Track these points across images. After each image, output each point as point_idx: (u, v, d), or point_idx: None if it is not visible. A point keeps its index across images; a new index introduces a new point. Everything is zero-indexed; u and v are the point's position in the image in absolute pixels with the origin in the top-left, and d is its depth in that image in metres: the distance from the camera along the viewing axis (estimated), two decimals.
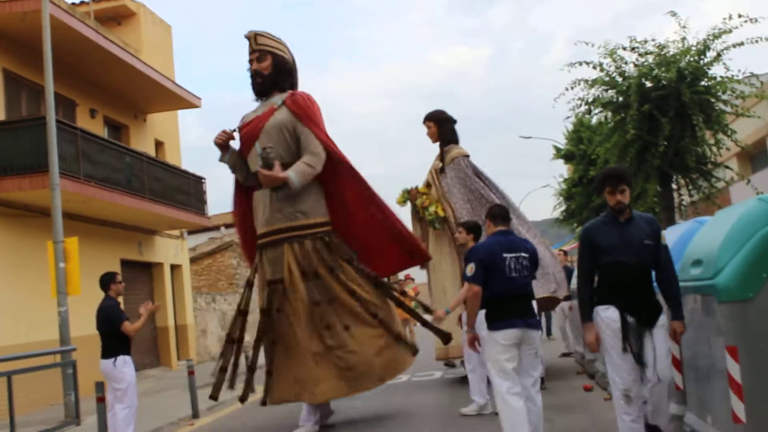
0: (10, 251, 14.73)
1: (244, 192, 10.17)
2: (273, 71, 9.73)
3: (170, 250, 22.63)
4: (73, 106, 17.84)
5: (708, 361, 5.54)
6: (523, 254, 6.50)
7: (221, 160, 9.85)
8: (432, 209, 12.08)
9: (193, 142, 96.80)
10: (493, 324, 6.36)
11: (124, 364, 9.06)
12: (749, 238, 5.11)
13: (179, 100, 21.64)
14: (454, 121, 13.07)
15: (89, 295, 14.61)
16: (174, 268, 22.93)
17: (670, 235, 7.56)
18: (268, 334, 9.41)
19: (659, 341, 5.64)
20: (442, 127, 12.89)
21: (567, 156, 27.23)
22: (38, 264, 14.66)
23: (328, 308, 9.24)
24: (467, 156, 12.63)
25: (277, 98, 9.70)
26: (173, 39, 24.71)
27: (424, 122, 13.04)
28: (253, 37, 9.72)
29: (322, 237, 9.45)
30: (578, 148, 25.45)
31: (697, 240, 6.18)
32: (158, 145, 22.78)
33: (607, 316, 5.74)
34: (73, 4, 20.49)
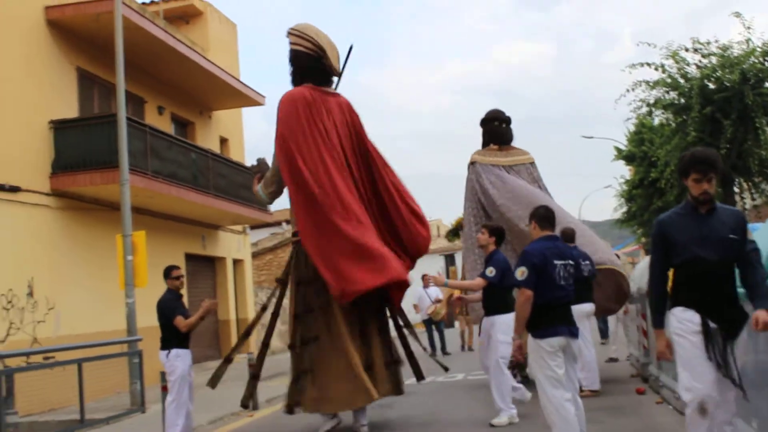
0: (81, 243, 15.21)
1: None
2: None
3: (233, 245, 23.08)
4: (142, 103, 18.32)
5: (761, 362, 5.57)
6: (570, 262, 6.39)
7: None
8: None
9: (256, 138, 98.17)
10: (539, 331, 6.18)
11: (176, 357, 9.07)
12: None
13: (244, 98, 22.04)
14: (495, 121, 12.86)
15: (155, 287, 15.07)
16: (236, 262, 23.39)
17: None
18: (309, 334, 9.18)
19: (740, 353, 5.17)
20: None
21: (628, 157, 27.01)
22: (107, 255, 15.14)
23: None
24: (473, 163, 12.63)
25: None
26: (238, 37, 25.14)
27: None
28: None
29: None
30: (639, 150, 25.24)
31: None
32: (223, 141, 23.25)
33: (687, 318, 5.06)
34: (144, 3, 21.04)
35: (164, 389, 9.78)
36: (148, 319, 14.34)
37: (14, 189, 13.58)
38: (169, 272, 9.24)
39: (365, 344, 8.91)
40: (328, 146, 9.02)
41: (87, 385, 11.54)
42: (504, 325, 8.44)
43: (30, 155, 14.22)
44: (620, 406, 9.07)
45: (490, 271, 8.42)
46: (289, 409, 9.22)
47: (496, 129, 12.78)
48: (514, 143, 12.96)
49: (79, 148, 14.82)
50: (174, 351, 9.05)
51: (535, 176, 12.48)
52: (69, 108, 15.51)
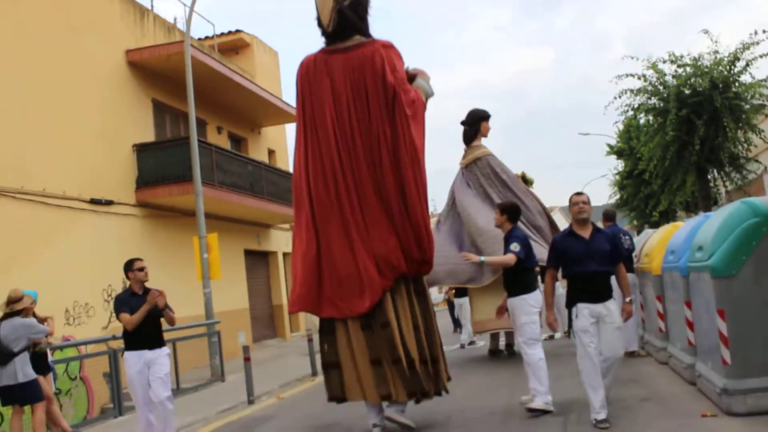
0: (162, 244, 16.45)
1: None
2: None
3: (282, 241, 24.26)
4: (204, 125, 19.52)
5: (708, 321, 6.67)
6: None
7: (433, 93, 7.73)
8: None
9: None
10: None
11: (126, 361, 7.44)
12: (733, 230, 6.24)
13: (287, 115, 23.08)
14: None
15: (225, 279, 16.35)
16: (286, 255, 24.55)
17: (687, 225, 8.68)
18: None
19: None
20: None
21: (618, 152, 27.99)
22: (184, 254, 16.41)
23: None
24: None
25: None
26: (280, 63, 26.31)
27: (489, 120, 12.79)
28: None
29: None
30: (628, 146, 26.20)
31: (701, 231, 7.28)
32: (270, 153, 24.43)
33: None
34: (200, 39, 22.28)
35: (248, 360, 10.95)
36: (221, 306, 15.71)
37: (109, 202, 14.84)
38: (130, 265, 7.54)
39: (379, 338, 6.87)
40: (313, 131, 7.19)
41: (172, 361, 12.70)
42: (526, 305, 7.38)
43: (118, 174, 15.45)
44: (630, 378, 8.46)
45: (515, 246, 7.44)
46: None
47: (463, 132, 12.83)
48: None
49: (157, 166, 16.01)
50: (126, 354, 7.45)
51: (493, 166, 12.44)
52: (147, 133, 16.76)
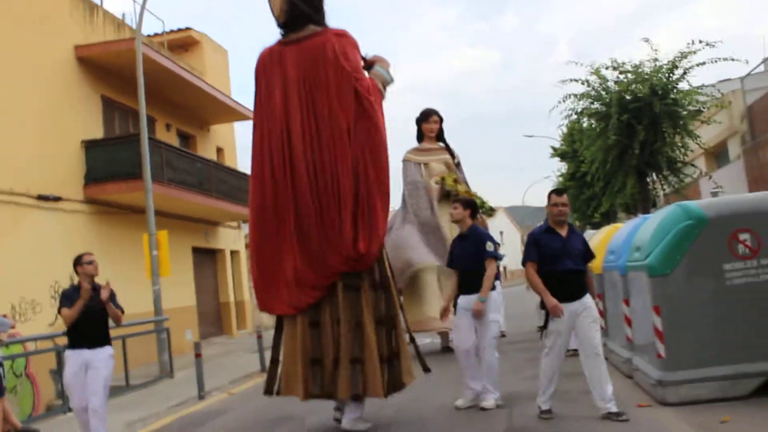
0: (110, 241, 16.35)
1: None
2: None
3: (230, 238, 24.27)
4: (153, 122, 19.41)
5: (645, 317, 7.04)
6: None
7: (393, 79, 7.36)
8: (484, 199, 12.84)
9: (247, 147, 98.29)
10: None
11: (66, 359, 7.18)
12: (668, 232, 6.62)
13: (235, 113, 23.10)
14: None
15: (173, 276, 16.32)
16: (233, 253, 24.58)
17: (626, 227, 9.08)
18: None
19: None
20: (442, 125, 13.41)
21: (562, 155, 28.63)
22: (133, 251, 16.36)
23: None
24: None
25: None
26: (230, 60, 26.27)
27: (433, 116, 13.29)
28: None
29: None
30: (571, 149, 26.81)
31: (639, 232, 7.68)
32: (219, 151, 24.38)
33: None
34: (150, 36, 22.14)
35: (198, 356, 11.03)
36: (169, 303, 15.71)
37: (56, 198, 14.73)
38: (78, 260, 7.16)
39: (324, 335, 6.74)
40: (266, 127, 6.97)
41: (117, 358, 12.64)
42: (494, 302, 7.36)
43: (67, 170, 15.33)
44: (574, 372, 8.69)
45: (490, 246, 7.36)
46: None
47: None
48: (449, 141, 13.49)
49: (106, 163, 15.90)
50: (66, 352, 7.23)
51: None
52: (96, 129, 16.64)
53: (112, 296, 7.13)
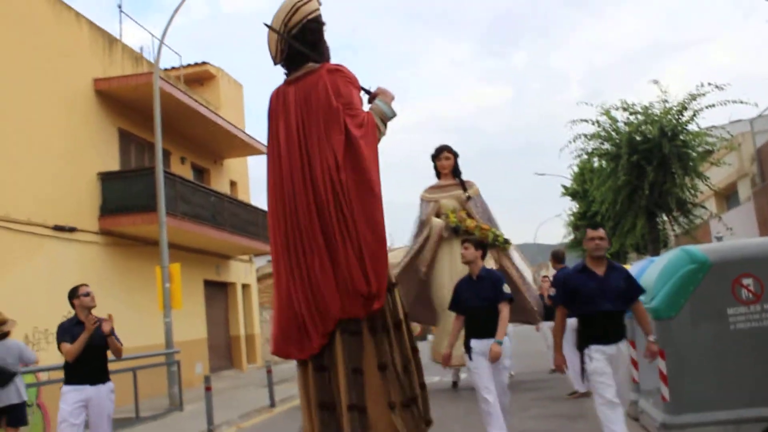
0: (124, 272, 16.56)
1: None
2: None
3: (241, 272, 24.44)
4: (168, 155, 19.69)
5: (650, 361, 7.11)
6: None
7: (394, 114, 6.85)
8: (498, 233, 12.73)
9: (261, 181, 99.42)
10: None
11: (62, 396, 6.84)
12: (673, 275, 6.73)
13: (249, 147, 23.36)
14: None
15: (185, 308, 16.44)
16: (244, 286, 24.72)
17: (633, 269, 9.18)
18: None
19: None
20: (456, 160, 13.44)
21: (573, 194, 28.77)
22: (143, 283, 16.55)
23: None
24: (479, 190, 13.48)
25: None
26: (245, 95, 26.69)
27: (444, 152, 13.38)
28: None
29: None
30: (582, 188, 26.96)
31: (645, 275, 7.78)
32: (232, 184, 24.65)
33: None
34: (167, 69, 22.55)
35: (208, 389, 11.14)
36: (180, 335, 15.84)
37: (72, 229, 14.96)
38: (75, 292, 7.05)
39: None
40: (274, 168, 6.83)
41: (128, 390, 12.78)
42: (506, 347, 7.27)
43: (83, 201, 15.57)
44: (579, 414, 8.99)
45: (507, 288, 7.25)
46: None
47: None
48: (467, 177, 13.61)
49: (121, 195, 16.16)
50: (62, 388, 6.90)
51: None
52: (112, 161, 16.93)
53: (111, 329, 6.89)
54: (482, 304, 7.13)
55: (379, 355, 6.26)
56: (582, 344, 6.16)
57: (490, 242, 12.41)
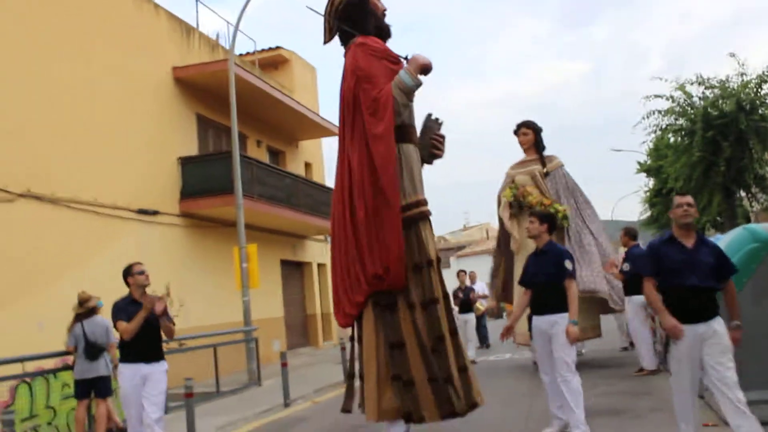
0: (203, 253, 17.23)
1: None
2: None
3: (317, 252, 24.98)
4: (245, 139, 20.28)
5: None
6: None
7: (420, 83, 6.21)
8: (560, 208, 12.08)
9: (333, 162, 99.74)
10: None
11: (120, 374, 6.94)
12: (735, 254, 6.75)
13: (323, 129, 23.83)
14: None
15: (262, 287, 16.98)
16: (320, 266, 25.27)
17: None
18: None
19: None
20: (538, 135, 13.06)
21: (647, 170, 28.30)
22: (222, 263, 17.17)
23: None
24: (563, 165, 13.03)
25: None
26: (318, 78, 27.12)
27: (522, 128, 13.08)
28: None
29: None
30: (657, 164, 26.51)
31: None
32: (307, 166, 25.18)
33: None
34: (241, 55, 23.11)
35: (284, 365, 11.60)
36: (258, 313, 16.41)
37: (155, 212, 15.63)
38: (129, 269, 7.13)
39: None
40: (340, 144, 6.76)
41: (208, 365, 13.45)
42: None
43: (164, 185, 16.25)
44: (644, 391, 9.09)
45: (568, 264, 6.97)
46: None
47: None
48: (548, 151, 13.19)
49: (200, 179, 16.78)
50: (119, 366, 7.01)
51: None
52: (191, 146, 17.57)
53: (165, 310, 6.95)
54: (543, 279, 6.97)
55: (385, 330, 6.14)
56: None
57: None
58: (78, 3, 14.36)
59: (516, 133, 13.42)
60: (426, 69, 6.12)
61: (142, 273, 7.00)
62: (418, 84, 6.19)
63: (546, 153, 13.08)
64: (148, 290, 7.22)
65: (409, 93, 6.21)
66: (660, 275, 5.66)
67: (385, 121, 6.14)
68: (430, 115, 6.44)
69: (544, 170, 12.94)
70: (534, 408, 8.49)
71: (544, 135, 13.13)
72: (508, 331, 7.34)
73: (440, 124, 6.38)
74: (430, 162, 6.54)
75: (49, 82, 13.25)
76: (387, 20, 6.80)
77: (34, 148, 12.73)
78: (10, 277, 11.87)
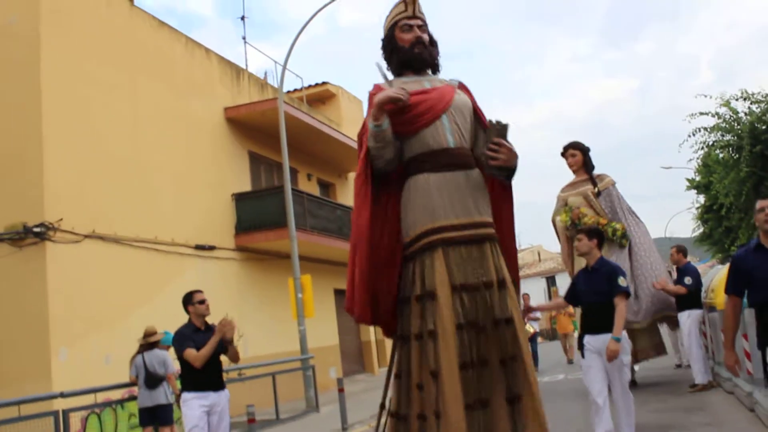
0: (259, 285, 17.70)
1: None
2: (431, 46, 6.00)
3: None
4: (296, 173, 20.79)
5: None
6: None
7: (378, 124, 5.06)
8: (617, 226, 11.84)
9: None
10: None
11: (184, 403, 6.73)
12: None
13: None
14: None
15: (316, 316, 17.34)
16: None
17: None
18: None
19: None
20: (586, 155, 12.87)
21: (698, 187, 28.02)
22: (277, 295, 17.61)
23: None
24: (614, 183, 12.80)
25: (443, 78, 6.02)
26: (364, 110, 27.56)
27: (569, 150, 12.94)
28: (413, 2, 5.94)
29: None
30: (706, 180, 26.25)
31: None
32: None
33: None
34: (289, 92, 23.74)
35: (341, 390, 11.87)
36: (314, 342, 16.76)
37: (212, 248, 16.17)
38: (190, 298, 7.01)
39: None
40: None
41: (267, 393, 13.78)
42: (625, 342, 6.67)
43: (220, 221, 16.80)
44: (696, 407, 9.01)
45: (622, 281, 6.69)
46: None
47: None
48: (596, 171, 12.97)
49: (254, 214, 17.32)
50: (184, 395, 6.79)
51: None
52: (244, 182, 18.13)
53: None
54: (596, 298, 6.64)
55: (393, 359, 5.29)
56: (763, 343, 5.08)
57: (609, 237, 12.08)
58: (137, 51, 15.04)
59: (563, 155, 13.43)
60: (379, 107, 5.14)
61: (203, 302, 6.89)
62: (376, 126, 5.27)
63: (595, 172, 13.01)
64: (208, 320, 7.23)
65: (374, 137, 5.35)
66: (750, 288, 5.10)
67: (358, 170, 5.39)
68: (490, 120, 5.89)
69: (596, 190, 12.74)
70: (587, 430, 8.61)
71: (592, 154, 13.13)
72: (528, 311, 7.06)
73: (499, 129, 5.27)
74: (492, 172, 5.93)
75: (110, 127, 13.92)
76: (418, 48, 5.70)
77: (97, 190, 13.36)
78: (80, 314, 12.43)
